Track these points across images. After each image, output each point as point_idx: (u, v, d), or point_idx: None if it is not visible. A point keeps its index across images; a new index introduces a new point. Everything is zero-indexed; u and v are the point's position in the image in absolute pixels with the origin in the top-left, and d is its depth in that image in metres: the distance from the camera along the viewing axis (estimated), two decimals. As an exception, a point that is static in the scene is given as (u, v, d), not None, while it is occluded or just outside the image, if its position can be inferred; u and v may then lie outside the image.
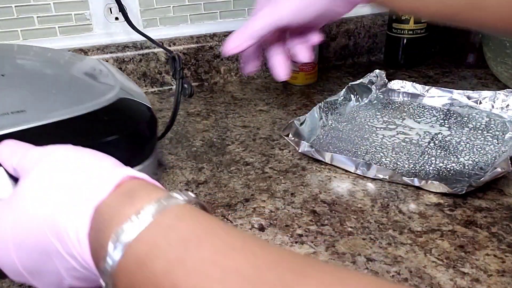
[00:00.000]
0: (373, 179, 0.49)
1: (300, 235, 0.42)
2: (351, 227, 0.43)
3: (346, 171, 0.51)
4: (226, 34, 0.77)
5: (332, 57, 0.85)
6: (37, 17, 0.69)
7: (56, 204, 0.26)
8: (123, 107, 0.42)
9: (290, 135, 0.54)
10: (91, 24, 0.72)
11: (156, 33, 0.73)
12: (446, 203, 0.45)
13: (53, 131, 0.37)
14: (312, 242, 0.41)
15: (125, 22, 0.68)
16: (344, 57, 0.85)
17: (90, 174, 0.27)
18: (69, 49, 0.71)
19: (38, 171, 0.28)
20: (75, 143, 0.34)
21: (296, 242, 0.41)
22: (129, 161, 0.37)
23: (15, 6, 0.68)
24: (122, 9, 0.68)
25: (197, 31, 0.77)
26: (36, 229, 0.26)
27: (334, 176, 0.50)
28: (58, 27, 0.71)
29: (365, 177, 0.50)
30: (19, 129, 0.36)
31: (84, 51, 0.71)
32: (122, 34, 0.74)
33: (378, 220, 0.43)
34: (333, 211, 0.45)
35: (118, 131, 0.39)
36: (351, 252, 0.40)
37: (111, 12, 0.73)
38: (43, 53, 0.53)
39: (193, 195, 0.26)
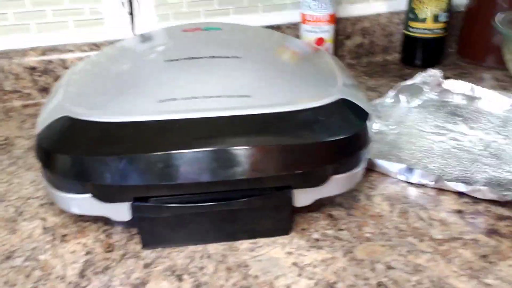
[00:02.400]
0: (393, 183, 0.48)
1: (317, 240, 0.41)
2: (369, 232, 0.42)
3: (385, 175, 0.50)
4: (240, 30, 0.76)
5: (347, 56, 0.83)
6: (52, 10, 0.68)
7: None
8: (342, 108, 0.41)
9: None
10: (103, 18, 0.71)
11: (169, 28, 0.72)
12: (467, 211, 0.44)
13: (273, 121, 0.38)
14: (329, 247, 0.40)
15: (138, 16, 0.67)
16: (359, 56, 0.84)
17: None
18: (81, 44, 0.70)
19: None
20: (290, 138, 0.36)
21: (312, 247, 0.40)
22: (340, 166, 0.40)
23: (28, -1, 0.67)
24: (131, 4, 0.68)
25: (211, 26, 0.76)
26: None
27: (351, 179, 0.49)
28: (72, 20, 0.70)
29: (385, 180, 0.49)
30: (241, 114, 0.38)
31: (96, 45, 0.70)
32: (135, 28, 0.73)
33: (397, 226, 0.42)
34: (350, 215, 0.44)
35: (334, 133, 0.38)
36: (370, 259, 0.39)
37: (123, 6, 0.71)
38: (279, 40, 0.54)
39: None
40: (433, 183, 0.46)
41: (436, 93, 0.65)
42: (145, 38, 0.52)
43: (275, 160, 0.37)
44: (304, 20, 0.72)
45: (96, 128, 0.38)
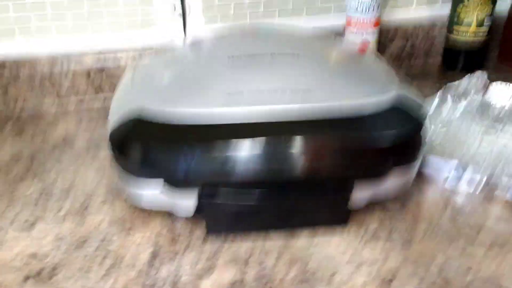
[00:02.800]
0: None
1: (371, 239, 0.43)
2: (421, 233, 0.43)
3: (435, 174, 0.51)
4: (285, 33, 0.78)
5: (389, 59, 0.84)
6: (107, 11, 0.71)
7: None
8: (401, 105, 0.43)
9: None
10: (154, 19, 0.74)
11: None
12: (518, 214, 0.45)
13: (336, 118, 0.40)
14: (383, 246, 0.42)
15: (189, 18, 0.70)
16: (401, 59, 0.85)
17: None
18: (134, 45, 0.73)
19: None
20: (353, 131, 0.39)
21: (367, 246, 0.42)
22: (398, 161, 0.42)
23: (87, 1, 0.70)
24: (183, 6, 0.70)
25: (256, 29, 0.78)
26: None
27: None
28: (126, 22, 0.73)
29: (433, 181, 0.50)
30: (306, 106, 0.40)
31: (149, 47, 0.73)
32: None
33: (448, 229, 0.44)
34: (402, 217, 0.45)
35: (396, 127, 0.41)
36: (424, 258, 0.40)
37: (175, 9, 0.74)
38: (332, 40, 0.58)
39: None
40: (485, 184, 0.47)
41: (483, 97, 0.65)
42: (205, 39, 0.55)
43: (338, 154, 0.40)
44: (349, 23, 0.73)
45: (168, 119, 0.40)
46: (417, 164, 0.44)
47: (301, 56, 0.47)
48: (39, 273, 0.40)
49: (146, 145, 0.40)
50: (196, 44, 0.53)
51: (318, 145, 0.39)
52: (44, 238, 0.44)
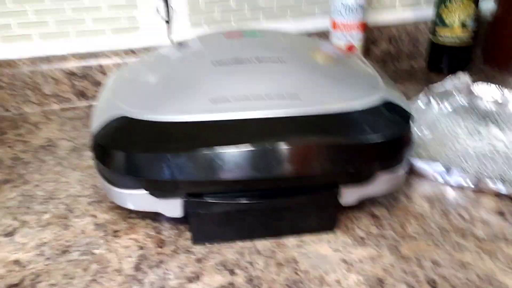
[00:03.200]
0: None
1: (362, 237, 0.42)
2: (413, 231, 0.43)
3: (425, 175, 0.50)
4: (270, 37, 0.77)
5: (373, 61, 0.84)
6: (90, 17, 0.70)
7: None
8: (387, 108, 0.42)
9: None
10: (138, 26, 0.73)
11: (202, 35, 0.74)
12: (509, 212, 0.45)
13: (321, 120, 0.40)
14: (375, 244, 0.41)
15: (174, 22, 0.69)
16: (385, 62, 0.85)
17: None
18: (118, 50, 0.72)
19: None
20: (338, 136, 0.38)
21: (359, 244, 0.41)
22: (385, 165, 0.41)
23: (69, 6, 0.69)
24: (168, 10, 0.70)
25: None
26: None
27: (390, 180, 0.50)
28: (110, 27, 0.72)
29: (423, 180, 0.50)
30: (290, 113, 0.39)
31: (132, 52, 0.72)
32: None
33: (440, 226, 0.43)
34: (393, 215, 0.45)
35: (380, 132, 0.40)
36: (416, 256, 0.40)
37: (159, 13, 0.73)
38: (317, 44, 0.56)
39: None
40: (472, 185, 0.47)
41: (466, 98, 0.66)
42: (189, 43, 0.54)
43: (324, 158, 0.38)
44: (334, 27, 0.73)
45: (150, 126, 0.39)
46: (405, 166, 0.44)
47: (287, 60, 0.47)
48: (22, 281, 0.38)
49: (126, 153, 0.38)
50: (180, 49, 0.52)
51: (303, 152, 0.38)
52: (27, 243, 0.42)
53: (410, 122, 0.42)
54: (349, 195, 0.42)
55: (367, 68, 0.50)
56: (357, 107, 0.41)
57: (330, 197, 0.41)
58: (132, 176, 0.39)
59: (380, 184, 0.42)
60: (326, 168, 0.39)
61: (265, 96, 0.41)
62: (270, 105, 0.40)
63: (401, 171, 0.43)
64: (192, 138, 0.38)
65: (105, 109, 0.44)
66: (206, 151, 0.37)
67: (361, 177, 0.41)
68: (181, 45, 0.53)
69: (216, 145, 0.37)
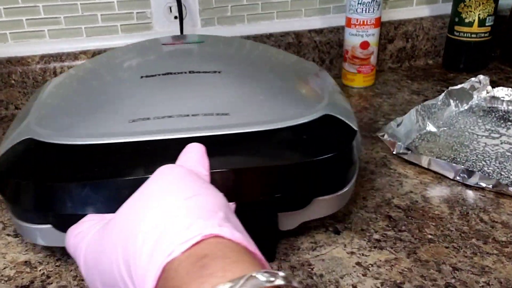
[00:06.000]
0: (451, 185, 0.48)
1: (378, 240, 0.41)
2: (430, 234, 0.41)
3: (443, 176, 0.49)
4: (283, 34, 0.76)
5: (389, 60, 0.83)
6: (101, 15, 0.70)
7: (136, 244, 0.24)
8: (327, 125, 0.39)
9: (386, 136, 0.53)
10: (151, 22, 0.73)
11: (213, 33, 0.73)
12: (530, 213, 0.43)
13: (251, 141, 0.36)
14: (391, 248, 0.40)
15: (186, 20, 0.68)
16: (401, 60, 0.84)
17: (174, 222, 0.24)
18: (130, 47, 0.71)
19: (135, 199, 0.27)
20: (267, 159, 0.34)
21: (374, 247, 0.40)
22: (323, 188, 0.37)
23: (80, 4, 0.68)
24: (180, 8, 0.69)
25: (254, 30, 0.77)
26: (111, 257, 0.25)
27: (406, 181, 0.49)
28: (120, 25, 0.71)
29: (441, 182, 0.48)
30: (216, 134, 0.36)
31: (144, 49, 0.71)
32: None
33: (459, 228, 0.42)
34: (409, 217, 0.44)
35: (316, 152, 0.36)
36: (434, 260, 0.38)
37: (171, 11, 0.73)
38: (265, 53, 0.52)
39: (282, 274, 0.21)
40: (491, 187, 0.46)
41: (485, 99, 0.65)
42: (123, 52, 0.49)
43: (253, 183, 0.34)
44: (349, 24, 0.72)
45: (58, 151, 0.35)
46: (347, 189, 0.39)
47: (223, 74, 0.42)
48: (32, 282, 0.38)
49: (27, 183, 0.33)
50: (110, 59, 0.47)
51: (229, 179, 0.33)
52: (37, 244, 0.42)
53: (354, 140, 0.38)
54: (288, 219, 0.37)
55: (315, 78, 0.47)
56: (292, 124, 0.37)
57: (267, 223, 0.37)
58: (34, 209, 0.34)
59: (320, 207, 0.38)
60: (256, 194, 0.34)
61: (191, 114, 0.37)
62: (193, 126, 0.36)
63: (344, 191, 0.39)
64: (102, 165, 0.33)
65: (16, 130, 0.39)
66: (116, 180, 0.33)
67: (297, 202, 0.37)
68: (113, 56, 0.49)
69: (128, 173, 0.33)
